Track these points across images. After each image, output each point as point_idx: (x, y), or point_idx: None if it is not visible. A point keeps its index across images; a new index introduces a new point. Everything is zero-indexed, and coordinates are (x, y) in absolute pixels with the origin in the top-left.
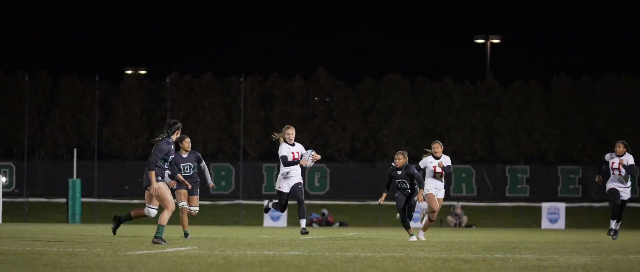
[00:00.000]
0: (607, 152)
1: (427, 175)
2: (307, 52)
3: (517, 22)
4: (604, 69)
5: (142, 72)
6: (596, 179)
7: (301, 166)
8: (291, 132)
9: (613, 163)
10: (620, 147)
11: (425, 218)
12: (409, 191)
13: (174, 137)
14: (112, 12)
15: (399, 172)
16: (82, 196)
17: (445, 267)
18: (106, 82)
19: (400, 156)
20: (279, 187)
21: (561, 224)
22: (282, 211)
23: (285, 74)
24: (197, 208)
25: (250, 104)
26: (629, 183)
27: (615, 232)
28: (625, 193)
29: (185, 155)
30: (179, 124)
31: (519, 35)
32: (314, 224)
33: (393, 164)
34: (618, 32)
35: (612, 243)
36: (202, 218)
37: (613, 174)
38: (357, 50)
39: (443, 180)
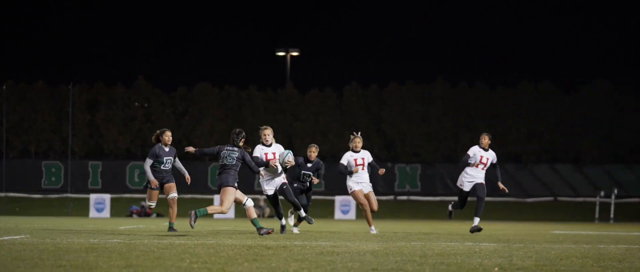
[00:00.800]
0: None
1: (350, 168)
2: (128, 63)
3: (314, 37)
4: (389, 79)
5: None
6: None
7: (283, 167)
8: (267, 133)
9: (482, 157)
10: (486, 139)
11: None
12: (308, 185)
13: (240, 144)
14: None
15: (309, 165)
16: None
17: (250, 253)
18: None
19: (314, 149)
20: (264, 191)
21: (352, 215)
22: (278, 215)
23: (109, 82)
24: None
25: (78, 108)
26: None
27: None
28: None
29: (167, 149)
30: (244, 133)
31: (315, 48)
32: (134, 215)
33: (301, 158)
34: (401, 45)
35: (397, 231)
36: (33, 209)
37: (476, 167)
38: (172, 62)
39: (367, 172)
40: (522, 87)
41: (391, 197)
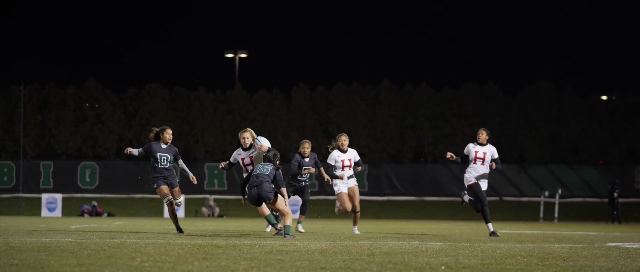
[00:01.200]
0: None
1: (337, 170)
2: (79, 64)
3: (262, 39)
4: (336, 80)
5: None
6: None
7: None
8: (245, 136)
9: (477, 152)
10: (483, 135)
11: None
12: (304, 183)
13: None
14: None
15: (306, 160)
16: None
17: (200, 252)
18: None
19: (307, 144)
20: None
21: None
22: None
23: (60, 83)
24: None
25: (30, 109)
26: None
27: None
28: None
29: (163, 146)
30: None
31: (263, 50)
32: (85, 215)
33: (297, 156)
34: (348, 47)
35: (346, 231)
36: None
37: (474, 163)
38: (121, 63)
39: (352, 172)
40: (467, 89)
41: None
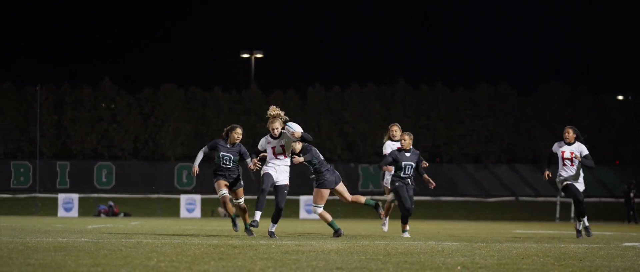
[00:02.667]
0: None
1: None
2: (94, 65)
3: (278, 39)
4: (351, 80)
5: None
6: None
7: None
8: (275, 126)
9: (563, 153)
10: (569, 133)
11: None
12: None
13: None
14: None
15: (408, 155)
16: None
17: (216, 252)
18: None
19: (407, 137)
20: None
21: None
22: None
23: (75, 83)
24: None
25: (46, 109)
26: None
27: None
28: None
29: (228, 146)
30: None
31: (279, 50)
32: (102, 215)
33: (391, 147)
34: (363, 47)
35: (361, 231)
36: (1, 209)
37: (564, 165)
38: (137, 63)
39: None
40: (481, 89)
41: None
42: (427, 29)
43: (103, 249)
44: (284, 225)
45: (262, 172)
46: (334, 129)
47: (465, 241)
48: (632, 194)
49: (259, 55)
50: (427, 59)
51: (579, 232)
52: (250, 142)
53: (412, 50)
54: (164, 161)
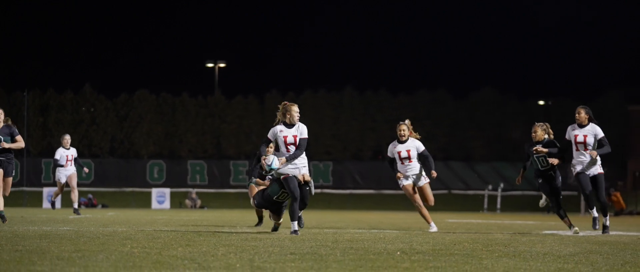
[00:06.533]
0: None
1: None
2: (76, 73)
3: (239, 50)
4: (305, 87)
5: None
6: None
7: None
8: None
9: (576, 136)
10: (581, 113)
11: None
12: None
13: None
14: None
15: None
16: None
17: (184, 239)
18: None
19: (538, 128)
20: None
21: None
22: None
23: (59, 89)
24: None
25: (32, 112)
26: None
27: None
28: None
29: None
30: None
31: (240, 60)
32: (82, 206)
33: (531, 143)
34: (315, 58)
35: (312, 220)
36: None
37: (577, 150)
38: (115, 72)
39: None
40: (420, 95)
41: None
42: (372, 40)
43: (83, 236)
44: (248, 216)
45: (281, 177)
46: None
47: (404, 230)
48: None
49: (222, 65)
50: (372, 67)
51: (595, 219)
52: (215, 142)
53: (359, 60)
54: (138, 159)
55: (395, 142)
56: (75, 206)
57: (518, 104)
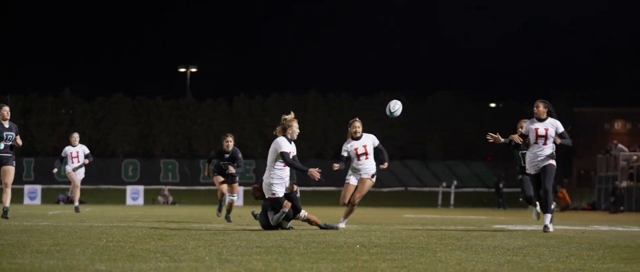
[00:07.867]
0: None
1: (353, 160)
2: (56, 77)
3: (210, 56)
4: (271, 90)
5: None
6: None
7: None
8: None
9: (537, 130)
10: (539, 107)
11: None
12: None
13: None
14: None
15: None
16: None
17: (156, 233)
18: None
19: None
20: (274, 193)
21: (240, 201)
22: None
23: (41, 93)
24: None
25: (15, 114)
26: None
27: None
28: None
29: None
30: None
31: (211, 65)
32: (61, 203)
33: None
34: (280, 64)
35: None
36: None
37: (536, 143)
38: (93, 76)
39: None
40: (379, 97)
41: None
42: (333, 45)
43: (61, 231)
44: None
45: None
46: (255, 132)
47: (363, 224)
48: (501, 185)
49: (193, 70)
50: (333, 71)
51: (536, 212)
52: (186, 142)
53: (321, 65)
54: (114, 157)
55: (349, 139)
56: (76, 203)
57: (471, 106)
